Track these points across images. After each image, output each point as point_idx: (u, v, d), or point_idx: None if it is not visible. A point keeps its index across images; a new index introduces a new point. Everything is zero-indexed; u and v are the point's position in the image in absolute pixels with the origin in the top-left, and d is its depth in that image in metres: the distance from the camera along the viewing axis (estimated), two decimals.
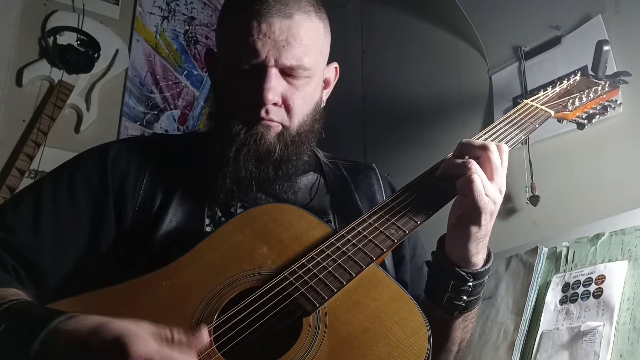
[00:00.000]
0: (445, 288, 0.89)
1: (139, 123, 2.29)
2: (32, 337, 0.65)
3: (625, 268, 1.07)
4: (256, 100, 0.93)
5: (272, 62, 0.92)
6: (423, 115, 2.14)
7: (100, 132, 2.14)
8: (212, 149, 0.97)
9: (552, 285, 1.18)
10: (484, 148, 0.88)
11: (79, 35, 2.12)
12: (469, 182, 0.83)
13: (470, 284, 0.88)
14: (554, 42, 1.66)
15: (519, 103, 1.09)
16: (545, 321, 1.14)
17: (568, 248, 1.23)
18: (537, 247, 1.28)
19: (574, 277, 1.15)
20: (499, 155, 0.88)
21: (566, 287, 1.15)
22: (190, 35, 2.51)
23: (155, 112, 2.35)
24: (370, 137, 2.30)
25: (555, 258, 1.25)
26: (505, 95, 1.80)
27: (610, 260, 1.12)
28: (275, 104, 0.94)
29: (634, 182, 1.38)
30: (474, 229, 0.86)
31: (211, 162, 0.97)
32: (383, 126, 2.29)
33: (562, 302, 1.13)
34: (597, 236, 1.18)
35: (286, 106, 0.96)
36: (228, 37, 0.97)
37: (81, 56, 2.09)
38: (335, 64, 1.08)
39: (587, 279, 1.12)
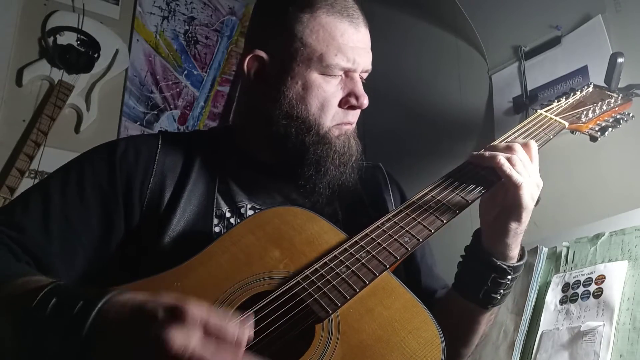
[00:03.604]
0: (484, 281, 0.92)
1: (139, 123, 2.29)
2: (87, 309, 0.64)
3: (625, 268, 1.07)
4: (352, 104, 0.98)
5: (360, 69, 0.98)
6: (423, 115, 2.14)
7: (100, 132, 2.14)
8: (292, 147, 0.97)
9: (552, 285, 1.18)
10: (510, 149, 0.92)
11: (79, 35, 2.12)
12: (515, 184, 0.87)
13: (509, 277, 0.92)
14: (554, 42, 1.66)
15: (533, 112, 1.10)
16: (545, 321, 1.14)
17: (568, 248, 1.23)
18: (537, 247, 1.28)
19: (574, 277, 1.15)
20: (528, 152, 0.93)
21: (566, 287, 1.15)
22: (190, 35, 2.51)
23: (155, 112, 2.35)
24: (370, 137, 2.30)
25: (555, 258, 1.25)
26: (505, 95, 1.80)
27: (610, 260, 1.12)
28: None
29: (634, 182, 1.38)
30: (514, 224, 0.90)
31: (273, 164, 1.00)
32: (383, 127, 2.29)
33: (562, 302, 1.13)
34: (597, 236, 1.18)
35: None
36: (322, 41, 0.94)
37: (81, 56, 2.09)
38: None
39: (587, 279, 1.12)
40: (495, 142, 0.99)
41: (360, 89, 0.98)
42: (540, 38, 1.71)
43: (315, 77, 0.95)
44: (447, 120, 2.01)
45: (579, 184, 1.52)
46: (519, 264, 0.94)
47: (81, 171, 0.94)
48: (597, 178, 1.47)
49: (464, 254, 0.98)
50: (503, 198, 0.91)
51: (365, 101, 0.98)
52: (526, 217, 0.91)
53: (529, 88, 1.72)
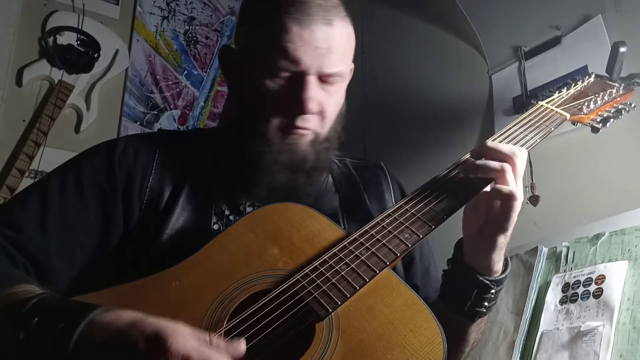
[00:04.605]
0: (467, 296, 0.89)
1: (139, 123, 2.29)
2: (69, 330, 0.64)
3: (625, 268, 1.07)
4: (296, 108, 0.91)
5: (312, 70, 0.90)
6: (423, 115, 2.14)
7: (100, 132, 2.14)
8: (237, 149, 0.95)
9: (552, 285, 1.18)
10: (513, 154, 0.87)
11: (79, 35, 2.12)
12: (511, 193, 0.83)
13: (493, 291, 0.89)
14: (554, 42, 1.66)
15: (534, 104, 1.08)
16: (545, 321, 1.14)
17: (568, 248, 1.23)
18: (537, 247, 1.28)
19: (574, 277, 1.15)
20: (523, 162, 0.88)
21: (566, 287, 1.15)
22: (190, 35, 2.51)
23: (155, 112, 2.35)
24: (370, 137, 2.30)
25: (555, 258, 1.25)
26: (506, 95, 1.80)
27: (610, 260, 1.11)
28: (313, 113, 0.93)
29: (634, 182, 1.38)
30: (500, 238, 0.86)
31: (236, 161, 0.96)
32: (383, 126, 2.29)
33: (562, 302, 1.13)
34: (597, 236, 1.18)
35: (321, 113, 0.94)
36: (264, 40, 0.91)
37: (81, 56, 2.09)
38: (352, 65, 1.03)
39: (587, 279, 1.12)
40: (495, 136, 0.96)
41: (305, 92, 0.89)
42: (540, 38, 1.71)
43: (261, 80, 0.91)
44: (447, 120, 2.01)
45: (579, 183, 1.52)
46: (502, 276, 0.90)
47: (80, 170, 0.94)
48: (597, 178, 1.47)
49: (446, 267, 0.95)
50: (490, 207, 0.86)
51: (310, 106, 0.90)
52: (511, 229, 0.86)
53: (529, 88, 1.72)
